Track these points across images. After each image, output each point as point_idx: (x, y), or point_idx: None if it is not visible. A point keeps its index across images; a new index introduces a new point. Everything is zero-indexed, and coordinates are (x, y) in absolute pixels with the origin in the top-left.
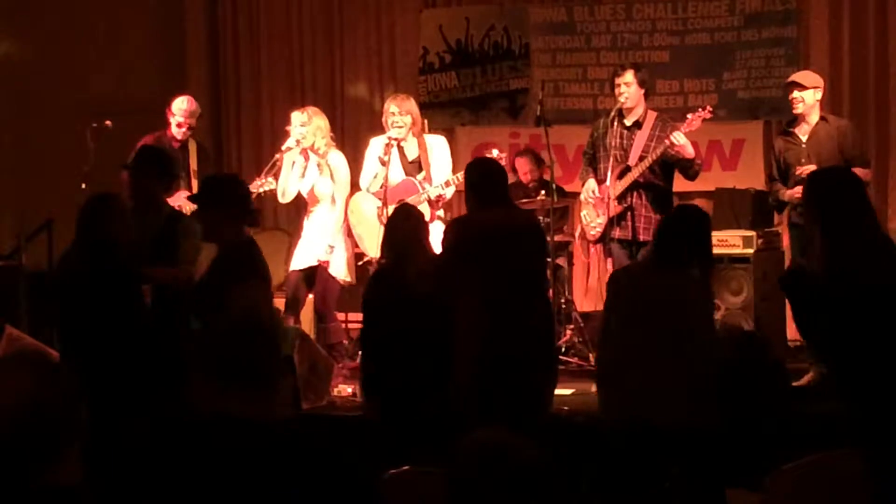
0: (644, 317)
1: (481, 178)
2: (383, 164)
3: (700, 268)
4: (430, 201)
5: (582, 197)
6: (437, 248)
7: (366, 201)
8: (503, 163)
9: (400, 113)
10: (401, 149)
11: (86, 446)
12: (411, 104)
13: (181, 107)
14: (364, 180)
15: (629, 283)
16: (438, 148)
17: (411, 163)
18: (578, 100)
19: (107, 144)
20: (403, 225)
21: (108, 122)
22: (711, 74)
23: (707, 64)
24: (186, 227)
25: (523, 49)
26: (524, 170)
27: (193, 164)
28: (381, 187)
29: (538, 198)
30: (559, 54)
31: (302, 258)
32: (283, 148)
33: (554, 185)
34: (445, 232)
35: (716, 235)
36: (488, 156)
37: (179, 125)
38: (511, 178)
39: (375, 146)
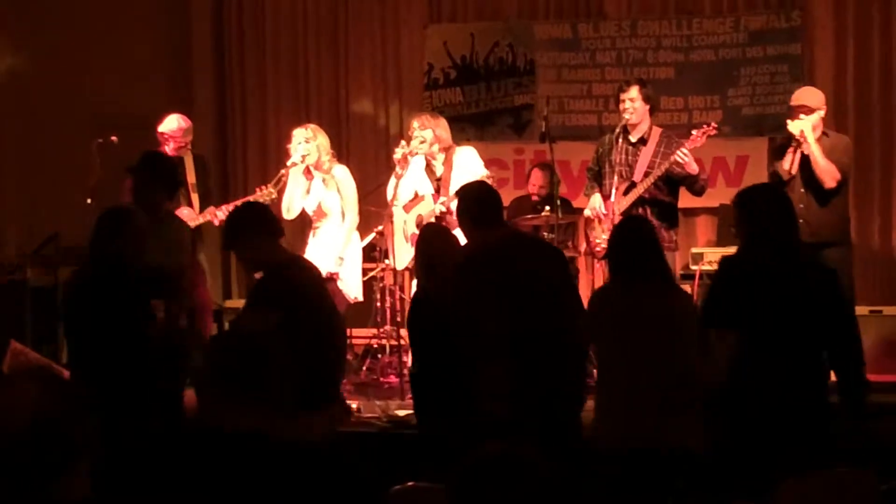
0: (629, 336)
1: (475, 200)
2: (396, 176)
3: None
4: (437, 216)
5: (586, 213)
6: None
7: (396, 215)
8: (494, 184)
9: (420, 128)
10: (430, 165)
11: (95, 461)
12: (434, 122)
13: (176, 126)
14: (406, 193)
15: (612, 302)
16: (461, 161)
17: (438, 179)
18: (583, 116)
19: (112, 159)
20: (434, 244)
21: (113, 138)
22: (716, 91)
23: (712, 81)
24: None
25: (528, 65)
26: (538, 183)
27: (191, 178)
28: (391, 199)
29: (543, 213)
30: (564, 70)
31: None
32: (289, 164)
33: (559, 201)
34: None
35: (720, 251)
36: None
37: (180, 146)
38: (522, 191)
39: (415, 165)
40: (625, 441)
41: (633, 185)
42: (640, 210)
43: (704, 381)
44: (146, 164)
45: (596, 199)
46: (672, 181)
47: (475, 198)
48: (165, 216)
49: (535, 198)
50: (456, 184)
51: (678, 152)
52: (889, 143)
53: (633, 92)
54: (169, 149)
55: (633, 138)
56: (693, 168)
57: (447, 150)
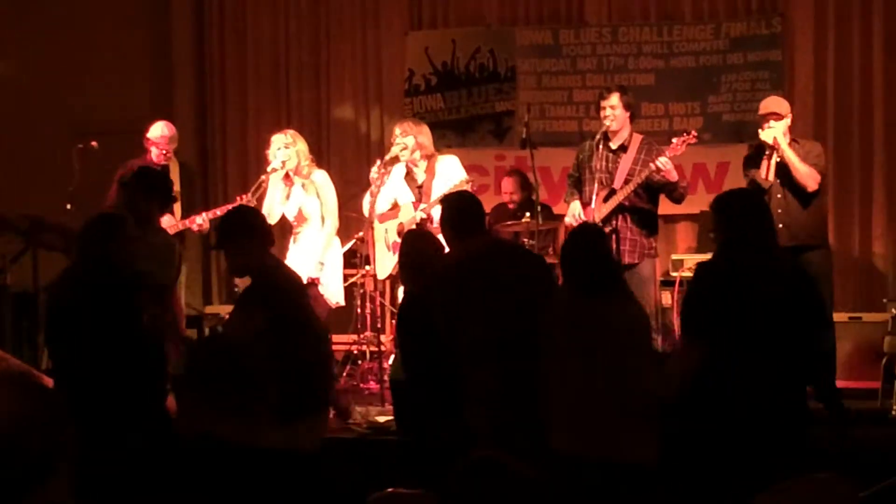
0: (580, 347)
1: (457, 210)
2: (371, 194)
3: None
4: (418, 223)
5: (567, 220)
6: None
7: (375, 226)
8: (474, 189)
9: (402, 135)
10: (411, 173)
11: (77, 467)
12: (417, 129)
13: (160, 133)
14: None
15: (563, 311)
16: (443, 170)
17: (419, 187)
18: (564, 122)
19: (92, 165)
20: (418, 247)
21: (94, 143)
22: (697, 98)
23: (692, 87)
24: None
25: (509, 72)
26: (508, 190)
27: (176, 186)
28: (368, 215)
29: (523, 220)
30: (545, 77)
31: None
32: (269, 170)
33: (539, 207)
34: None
35: (700, 258)
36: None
37: (165, 153)
38: (496, 200)
39: (397, 172)
40: (576, 450)
41: (613, 192)
42: (620, 217)
43: (656, 394)
44: (141, 177)
45: (576, 206)
46: (652, 188)
47: (456, 207)
48: (157, 229)
49: (510, 205)
50: (438, 192)
51: (658, 160)
52: (868, 149)
53: (614, 99)
54: (154, 155)
55: (613, 145)
56: (673, 175)
57: (429, 158)
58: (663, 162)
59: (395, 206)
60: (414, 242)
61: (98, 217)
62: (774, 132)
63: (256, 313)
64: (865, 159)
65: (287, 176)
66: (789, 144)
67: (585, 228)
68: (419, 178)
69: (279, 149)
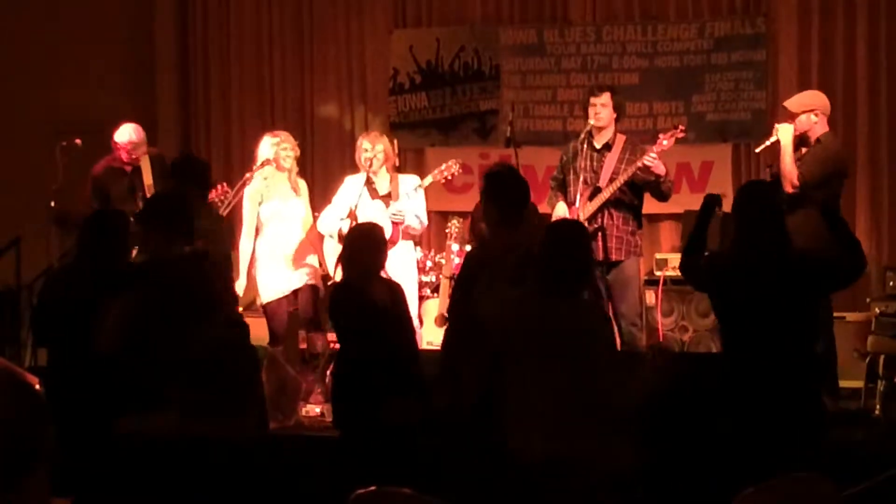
0: (541, 350)
1: (510, 190)
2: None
3: (590, 289)
4: (395, 222)
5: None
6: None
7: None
8: (459, 172)
9: (372, 149)
10: (371, 183)
11: (64, 465)
12: (384, 141)
13: (126, 139)
14: (330, 217)
15: (520, 315)
16: (410, 184)
17: (382, 196)
18: (548, 121)
19: (76, 162)
20: (364, 242)
21: (77, 140)
22: (681, 97)
23: (676, 87)
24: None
25: (493, 70)
26: None
27: (148, 180)
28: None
29: None
30: (529, 76)
31: (282, 284)
32: (255, 167)
33: None
34: (466, 257)
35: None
36: (445, 166)
37: (132, 156)
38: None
39: (351, 186)
40: (540, 454)
41: (598, 190)
42: (606, 214)
43: (617, 403)
44: (181, 165)
45: (560, 207)
46: (636, 186)
47: (511, 186)
48: (207, 212)
49: None
50: (406, 202)
51: (646, 157)
52: (851, 149)
53: (605, 98)
54: (122, 157)
55: (597, 144)
56: (661, 169)
57: (391, 171)
58: (651, 158)
59: (350, 213)
60: (358, 234)
61: (99, 214)
62: (784, 126)
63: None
64: (849, 158)
65: (278, 167)
66: (814, 143)
67: (568, 224)
68: (381, 188)
69: (285, 149)
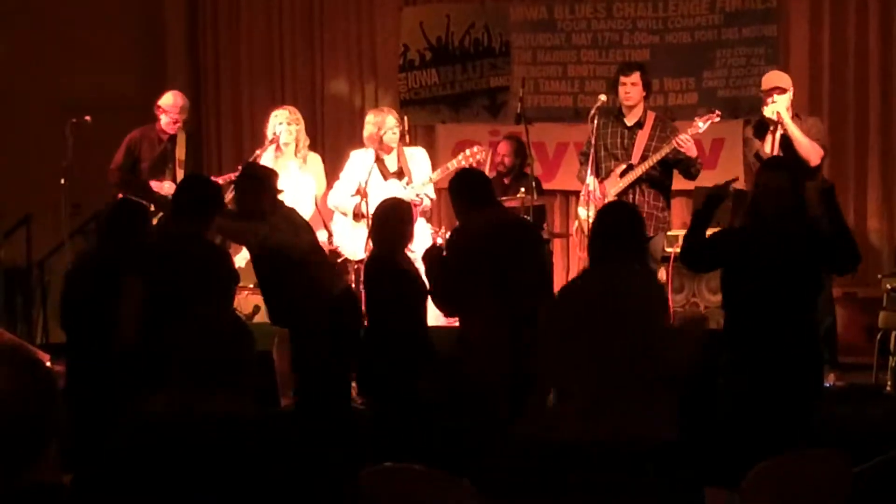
0: (589, 323)
1: (468, 184)
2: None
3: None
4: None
5: (582, 194)
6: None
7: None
8: (484, 156)
9: (380, 116)
10: (381, 162)
11: (76, 443)
12: (395, 116)
13: (171, 102)
14: (339, 193)
15: (581, 295)
16: (419, 157)
17: (393, 174)
18: (558, 97)
19: (85, 140)
20: (393, 214)
21: (87, 118)
22: (691, 73)
23: (687, 63)
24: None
25: (504, 47)
26: (503, 152)
27: (181, 155)
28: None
29: (518, 195)
30: (539, 52)
31: None
32: (267, 142)
33: (534, 182)
34: (448, 243)
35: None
36: (469, 151)
37: (175, 121)
38: (491, 172)
39: (358, 162)
40: (593, 432)
41: (630, 167)
42: (638, 190)
43: (669, 369)
44: (247, 174)
45: (591, 180)
46: (667, 164)
47: (471, 181)
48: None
49: (500, 167)
50: (418, 176)
51: (679, 137)
52: (864, 126)
53: (636, 77)
54: (164, 123)
55: (628, 122)
56: (693, 151)
57: (398, 146)
58: (684, 139)
59: (359, 190)
60: (387, 209)
61: (121, 205)
62: (777, 107)
63: None
64: (861, 135)
65: (278, 147)
66: (792, 119)
67: (618, 204)
68: (391, 166)
69: (281, 123)
